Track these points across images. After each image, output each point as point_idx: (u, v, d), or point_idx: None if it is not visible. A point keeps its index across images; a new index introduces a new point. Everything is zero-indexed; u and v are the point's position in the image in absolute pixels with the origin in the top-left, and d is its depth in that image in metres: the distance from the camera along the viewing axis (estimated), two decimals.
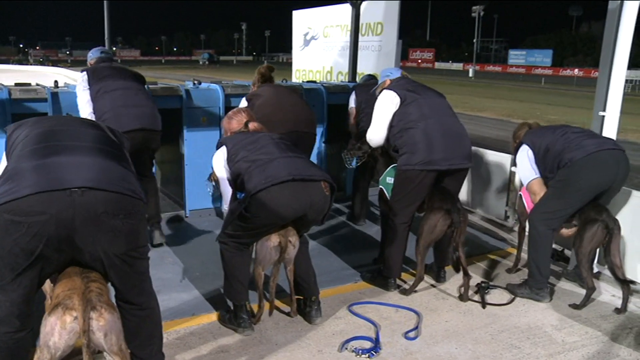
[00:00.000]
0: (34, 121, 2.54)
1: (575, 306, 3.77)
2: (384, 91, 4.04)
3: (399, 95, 3.92)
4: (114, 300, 2.43)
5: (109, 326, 2.14)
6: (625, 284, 3.73)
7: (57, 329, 2.07)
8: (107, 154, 2.39)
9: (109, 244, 2.24)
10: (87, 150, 2.33)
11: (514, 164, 4.54)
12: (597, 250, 3.99)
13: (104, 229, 2.20)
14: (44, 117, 2.70)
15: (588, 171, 3.72)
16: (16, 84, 4.88)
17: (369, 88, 5.45)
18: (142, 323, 2.51)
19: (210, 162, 3.52)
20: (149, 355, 2.58)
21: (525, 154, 3.98)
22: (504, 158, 5.47)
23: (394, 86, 4.03)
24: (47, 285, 2.48)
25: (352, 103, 5.57)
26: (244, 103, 4.74)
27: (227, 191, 3.41)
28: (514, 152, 4.24)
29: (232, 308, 3.41)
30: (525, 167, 3.99)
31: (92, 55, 4.77)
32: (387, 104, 3.96)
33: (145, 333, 2.54)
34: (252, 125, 3.60)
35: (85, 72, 4.45)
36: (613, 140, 3.99)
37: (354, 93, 5.59)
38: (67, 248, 2.20)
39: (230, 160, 3.29)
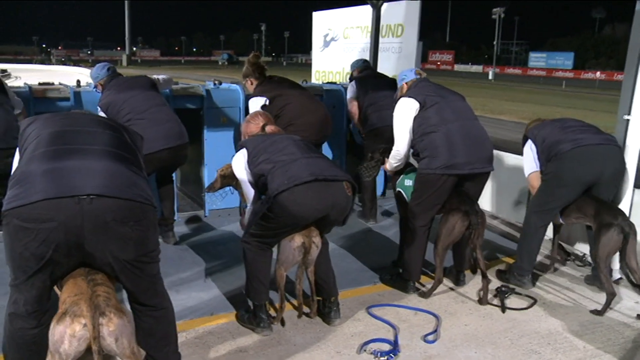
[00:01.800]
0: (47, 118, 2.52)
1: (596, 312, 3.72)
2: (401, 100, 3.99)
3: (417, 100, 3.87)
4: (125, 302, 2.43)
5: (119, 330, 2.11)
6: None
7: (66, 337, 2.04)
8: (119, 158, 2.36)
9: (119, 250, 2.24)
10: (98, 155, 2.31)
11: None
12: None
13: (113, 237, 2.20)
14: (58, 113, 2.67)
15: (571, 164, 3.86)
16: (40, 84, 4.96)
17: (370, 81, 5.51)
18: (157, 324, 2.52)
19: (228, 163, 3.54)
20: (166, 355, 2.58)
21: (528, 147, 4.14)
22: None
23: (412, 92, 3.97)
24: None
25: (350, 94, 5.57)
26: (260, 102, 4.75)
27: (249, 192, 3.42)
28: (522, 145, 4.34)
29: (251, 308, 3.41)
30: (526, 160, 4.17)
31: (100, 76, 4.53)
32: (406, 113, 3.91)
33: (160, 333, 2.54)
34: (269, 128, 3.62)
35: (100, 110, 4.37)
36: (610, 136, 4.06)
37: (354, 84, 5.55)
38: (77, 253, 2.21)
39: (251, 163, 3.30)
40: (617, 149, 3.96)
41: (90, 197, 2.12)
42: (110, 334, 2.08)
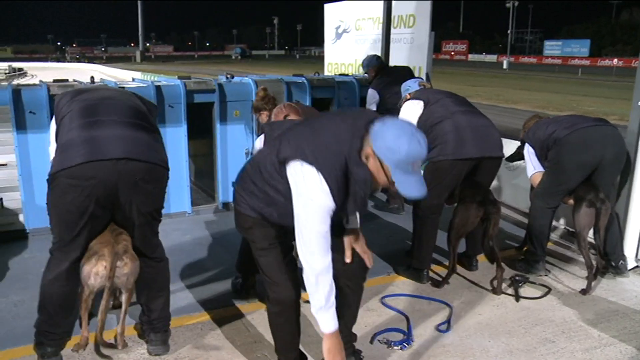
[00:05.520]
0: (76, 93, 2.94)
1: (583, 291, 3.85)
2: (405, 103, 4.14)
3: (421, 99, 4.01)
4: None
5: (130, 272, 2.76)
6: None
7: (92, 275, 2.67)
8: (141, 127, 2.83)
9: (142, 203, 2.75)
10: (125, 126, 2.77)
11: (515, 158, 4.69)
12: None
13: (140, 192, 2.71)
14: (85, 90, 3.05)
15: (570, 149, 3.90)
16: (54, 81, 5.02)
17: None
18: (157, 274, 2.96)
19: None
20: (161, 307, 2.99)
21: (527, 151, 4.23)
22: None
23: (415, 95, 4.14)
24: None
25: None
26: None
27: None
28: (521, 144, 4.42)
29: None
30: (527, 162, 4.24)
31: None
32: (411, 115, 4.00)
33: (159, 284, 2.98)
34: (290, 117, 3.67)
35: None
36: (604, 119, 4.09)
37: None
38: (110, 206, 2.70)
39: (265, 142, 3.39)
40: (613, 129, 3.99)
41: (125, 159, 2.63)
42: (124, 275, 2.75)
